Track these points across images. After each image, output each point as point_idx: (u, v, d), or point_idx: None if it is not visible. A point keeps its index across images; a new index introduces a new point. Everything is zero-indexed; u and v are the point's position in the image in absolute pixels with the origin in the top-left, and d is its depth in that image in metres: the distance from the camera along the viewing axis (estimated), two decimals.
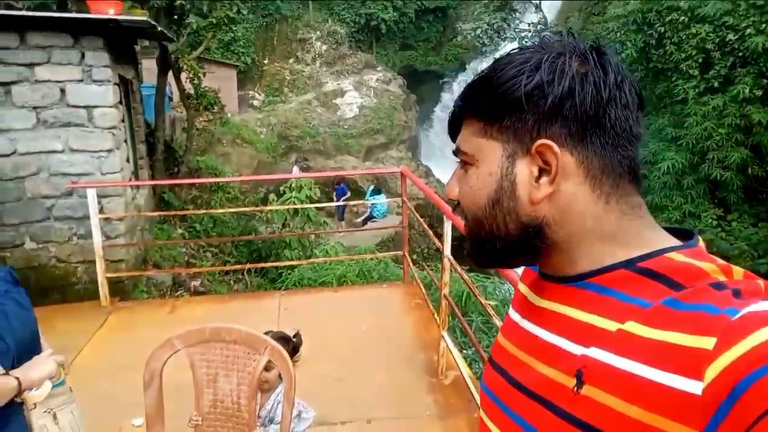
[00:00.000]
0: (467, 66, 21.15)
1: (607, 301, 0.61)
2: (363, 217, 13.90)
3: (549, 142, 0.63)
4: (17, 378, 1.49)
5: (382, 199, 12.81)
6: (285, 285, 6.73)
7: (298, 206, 7.87)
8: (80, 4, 6.02)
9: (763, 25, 8.96)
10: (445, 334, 3.58)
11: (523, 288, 0.80)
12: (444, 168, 17.29)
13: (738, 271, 0.58)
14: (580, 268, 0.65)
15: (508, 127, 0.65)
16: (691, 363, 0.50)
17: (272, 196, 9.09)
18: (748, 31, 9.09)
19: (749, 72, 9.24)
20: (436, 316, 3.99)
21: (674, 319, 0.54)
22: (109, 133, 5.15)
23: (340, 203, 12.42)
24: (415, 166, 17.60)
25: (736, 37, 9.31)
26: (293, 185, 8.53)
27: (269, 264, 7.42)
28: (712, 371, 0.48)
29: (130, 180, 6.10)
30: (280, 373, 2.06)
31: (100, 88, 5.05)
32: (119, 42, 5.67)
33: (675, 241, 0.65)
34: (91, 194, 4.73)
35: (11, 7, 7.53)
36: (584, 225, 0.64)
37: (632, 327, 0.57)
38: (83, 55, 5.00)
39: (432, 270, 5.71)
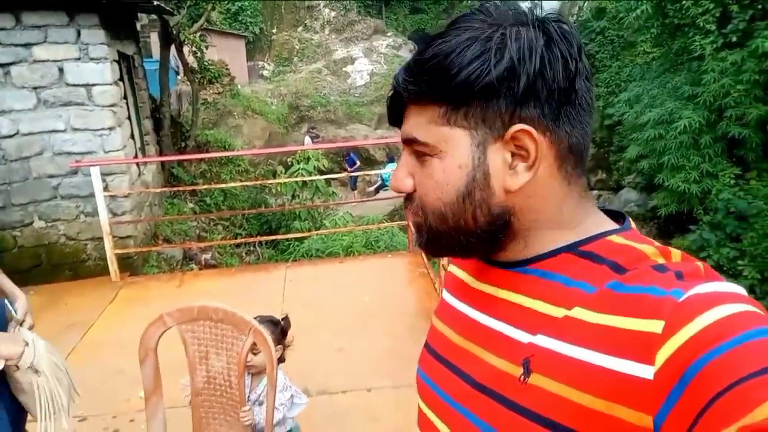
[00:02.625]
0: None
1: (551, 286, 0.60)
2: (375, 186, 13.87)
3: (527, 127, 0.58)
4: None
5: (391, 168, 12.75)
6: (293, 257, 6.78)
7: (308, 178, 7.87)
8: None
9: None
10: None
11: (456, 271, 0.78)
12: None
13: (676, 253, 0.57)
14: (528, 253, 0.63)
15: (476, 113, 0.58)
16: (641, 347, 0.49)
17: (280, 168, 9.10)
18: None
19: None
20: (436, 285, 4.00)
21: (620, 303, 0.53)
22: (109, 110, 5.16)
23: (352, 173, 12.40)
24: None
25: None
26: (301, 156, 8.52)
27: (279, 236, 7.47)
28: (662, 355, 0.47)
29: (135, 157, 6.15)
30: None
31: (98, 66, 5.05)
32: (117, 18, 5.63)
33: (612, 224, 0.64)
34: (95, 172, 4.78)
35: None
36: (547, 211, 0.61)
37: (579, 313, 0.55)
38: (79, 33, 4.99)
39: None
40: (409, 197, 0.65)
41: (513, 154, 0.59)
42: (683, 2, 9.89)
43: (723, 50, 9.48)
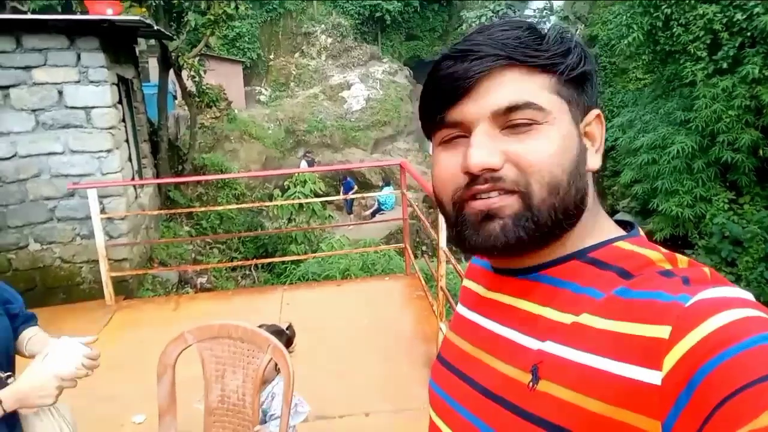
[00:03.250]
0: None
1: (560, 293, 0.60)
2: (371, 210, 13.90)
3: (599, 112, 0.64)
4: None
5: (387, 191, 12.80)
6: (289, 280, 6.74)
7: (305, 201, 7.88)
8: (83, 5, 6.05)
9: None
10: (442, 325, 3.57)
11: (470, 284, 0.78)
12: None
13: (683, 260, 0.58)
14: (538, 260, 0.63)
15: (574, 92, 0.62)
16: (648, 353, 0.49)
17: (276, 191, 9.11)
18: (757, 10, 8.90)
19: (758, 52, 9.05)
20: (434, 308, 3.97)
21: (628, 309, 0.53)
22: (108, 133, 5.17)
23: (349, 196, 12.44)
24: (423, 157, 17.54)
25: (744, 16, 9.12)
26: (297, 180, 8.54)
27: (275, 259, 7.44)
28: (669, 360, 0.47)
29: (132, 179, 6.14)
30: (275, 365, 2.08)
31: (98, 89, 5.07)
32: (118, 42, 5.69)
33: (620, 231, 0.64)
34: (92, 194, 4.77)
35: (17, 10, 7.61)
36: (589, 205, 0.64)
37: (587, 319, 0.55)
38: (79, 57, 5.03)
39: (432, 262, 5.69)
40: (492, 177, 0.59)
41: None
42: (674, 29, 10.10)
43: (714, 76, 9.66)
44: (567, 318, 0.57)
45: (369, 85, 19.40)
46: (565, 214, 0.60)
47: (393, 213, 13.02)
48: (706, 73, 9.71)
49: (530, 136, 0.58)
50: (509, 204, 0.59)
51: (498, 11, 20.51)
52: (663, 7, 10.24)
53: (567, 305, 0.58)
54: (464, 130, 0.61)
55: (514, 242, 0.59)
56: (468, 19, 20.78)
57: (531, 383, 0.57)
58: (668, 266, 0.56)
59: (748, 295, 0.50)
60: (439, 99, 0.61)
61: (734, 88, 9.24)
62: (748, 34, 9.17)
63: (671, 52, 10.57)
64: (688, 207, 9.89)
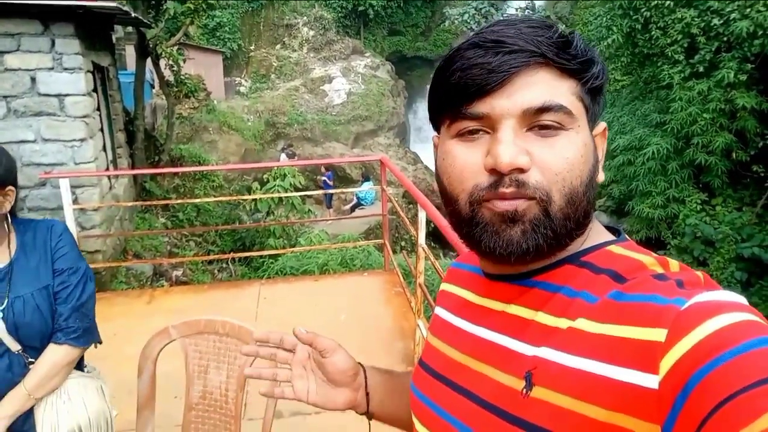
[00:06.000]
0: None
1: (553, 297, 0.59)
2: (350, 205, 13.86)
3: (605, 125, 0.64)
4: None
5: (367, 187, 12.77)
6: (267, 274, 6.69)
7: (284, 195, 7.81)
8: None
9: (748, 10, 8.95)
10: (420, 322, 3.56)
11: (454, 289, 0.76)
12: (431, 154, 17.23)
13: (674, 264, 0.57)
14: (533, 265, 0.62)
15: (592, 102, 0.61)
16: (645, 356, 0.48)
17: (255, 184, 9.02)
18: (733, 15, 9.08)
19: (734, 57, 9.24)
20: (412, 304, 3.97)
21: (623, 312, 0.52)
22: (81, 121, 5.06)
23: (329, 191, 12.40)
24: (403, 153, 17.56)
25: (720, 21, 9.30)
26: (277, 173, 8.46)
27: (253, 253, 7.37)
28: (666, 363, 0.47)
29: (107, 169, 6.02)
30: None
31: (72, 76, 4.95)
32: (93, 29, 5.56)
33: (609, 235, 0.64)
34: (65, 184, 4.64)
35: None
36: (592, 213, 0.63)
37: (582, 323, 0.55)
38: (53, 43, 4.90)
39: (411, 258, 5.69)
40: (518, 180, 0.56)
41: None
42: (653, 33, 10.26)
43: (690, 80, 9.84)
44: (563, 323, 0.56)
45: (351, 79, 19.33)
46: (577, 224, 0.59)
47: (372, 208, 13.01)
48: (683, 77, 9.90)
49: (557, 140, 0.57)
50: (530, 209, 0.57)
51: (481, 9, 20.60)
52: (642, 10, 10.39)
53: (560, 309, 0.58)
54: (488, 125, 0.58)
55: (533, 249, 0.57)
56: (451, 16, 20.86)
57: (525, 390, 0.56)
58: (660, 270, 0.56)
59: (743, 299, 0.50)
60: (467, 88, 0.58)
61: (710, 92, 9.44)
62: (725, 38, 9.36)
63: (649, 54, 10.74)
64: (660, 208, 10.08)
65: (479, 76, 0.56)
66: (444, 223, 2.53)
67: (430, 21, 22.52)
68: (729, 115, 9.47)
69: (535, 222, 0.57)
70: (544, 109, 0.56)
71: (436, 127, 0.66)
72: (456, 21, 21.56)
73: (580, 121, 0.58)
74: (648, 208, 10.02)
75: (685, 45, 9.88)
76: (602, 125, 0.64)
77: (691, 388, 0.44)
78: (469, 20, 21.26)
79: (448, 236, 2.24)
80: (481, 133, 0.59)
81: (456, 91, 0.59)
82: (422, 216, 3.42)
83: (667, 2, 9.97)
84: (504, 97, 0.57)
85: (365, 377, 0.85)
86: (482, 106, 0.57)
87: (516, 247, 0.57)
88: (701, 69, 9.66)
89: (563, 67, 0.57)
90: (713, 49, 9.55)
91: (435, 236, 7.15)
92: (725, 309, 0.47)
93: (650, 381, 0.47)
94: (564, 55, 0.57)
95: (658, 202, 10.02)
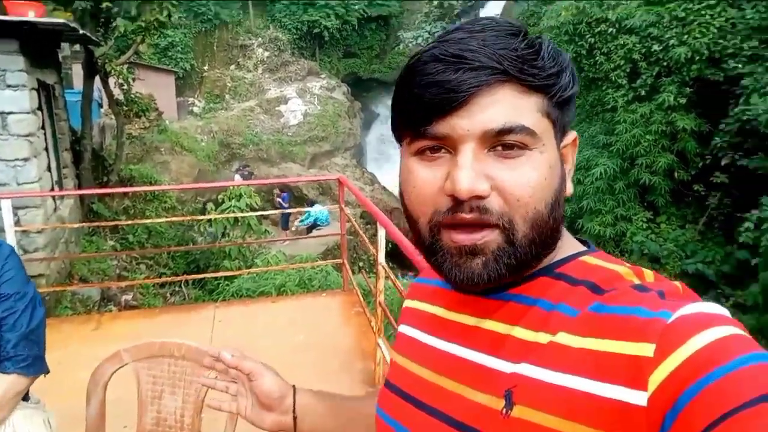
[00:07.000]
0: None
1: (530, 310, 0.57)
2: (308, 226, 13.74)
3: (576, 134, 0.62)
4: None
5: (318, 208, 12.78)
6: (222, 296, 6.52)
7: (239, 215, 7.67)
8: (2, 6, 5.67)
9: (685, 36, 9.50)
10: (381, 342, 3.53)
11: (419, 305, 0.73)
12: (390, 175, 17.36)
13: (648, 273, 0.56)
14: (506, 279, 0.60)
15: (559, 115, 0.57)
16: (632, 372, 0.46)
17: (210, 205, 8.84)
18: (672, 42, 9.61)
19: (673, 81, 9.76)
20: (372, 324, 3.94)
21: (606, 325, 0.50)
22: (25, 140, 4.85)
23: (284, 211, 12.28)
24: (360, 173, 17.60)
25: (660, 47, 9.82)
26: (232, 193, 8.31)
27: (207, 275, 7.17)
28: (655, 380, 0.45)
29: (52, 190, 5.77)
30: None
31: (15, 93, 4.76)
32: (39, 45, 5.37)
33: (580, 246, 0.63)
34: (6, 205, 4.43)
35: None
36: (561, 230, 0.60)
37: (564, 338, 0.52)
38: None
39: (371, 277, 5.67)
40: (478, 207, 0.54)
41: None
42: (597, 58, 10.73)
43: (633, 103, 10.32)
44: (542, 337, 0.54)
45: (306, 100, 19.35)
46: (544, 246, 0.57)
47: (329, 228, 12.94)
48: (626, 100, 10.37)
49: (519, 162, 0.54)
50: (493, 239, 0.55)
51: (434, 33, 21.06)
52: (587, 36, 10.88)
53: (538, 323, 0.55)
54: (448, 145, 0.56)
55: (495, 278, 0.56)
56: (405, 39, 21.22)
57: (505, 410, 0.53)
58: (638, 280, 0.55)
59: (725, 311, 0.49)
60: (426, 107, 0.55)
61: (651, 115, 9.91)
62: (665, 64, 9.88)
63: (595, 78, 11.21)
64: (610, 226, 10.43)
65: (438, 95, 0.54)
66: (405, 242, 2.53)
67: (384, 44, 22.88)
68: (670, 137, 9.95)
69: (498, 252, 0.55)
70: (504, 131, 0.54)
71: (399, 141, 0.63)
72: (410, 44, 21.97)
73: (545, 140, 0.55)
74: (598, 226, 10.35)
75: (628, 70, 10.38)
76: (572, 135, 0.61)
77: (682, 406, 0.43)
78: (422, 44, 21.72)
79: (409, 254, 2.24)
80: (442, 151, 0.56)
81: (415, 109, 0.56)
82: (382, 234, 3.41)
83: (610, 29, 10.47)
84: (464, 118, 0.54)
85: (294, 400, 0.82)
86: (442, 127, 0.55)
87: (478, 278, 0.56)
88: (643, 93, 10.14)
89: (530, 84, 0.54)
90: (654, 74, 10.06)
91: (393, 256, 7.16)
92: (712, 322, 0.46)
93: (638, 398, 0.45)
94: (529, 70, 0.54)
95: (608, 221, 10.37)
